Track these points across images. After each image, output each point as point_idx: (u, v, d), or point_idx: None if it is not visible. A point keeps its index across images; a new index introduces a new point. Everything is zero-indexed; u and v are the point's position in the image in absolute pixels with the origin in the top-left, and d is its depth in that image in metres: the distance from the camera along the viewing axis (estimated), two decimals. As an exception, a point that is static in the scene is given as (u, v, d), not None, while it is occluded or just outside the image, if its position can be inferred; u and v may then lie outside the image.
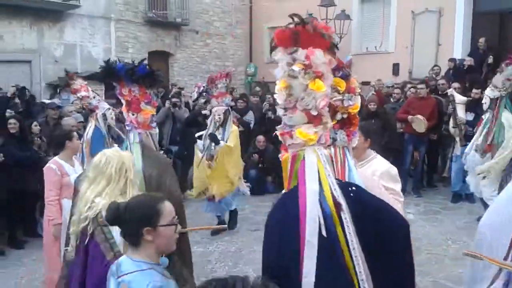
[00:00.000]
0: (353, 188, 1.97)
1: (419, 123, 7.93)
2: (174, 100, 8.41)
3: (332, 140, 2.13)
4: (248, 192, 6.79)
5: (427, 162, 8.97)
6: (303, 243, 1.81)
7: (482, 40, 10.46)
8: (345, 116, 2.25)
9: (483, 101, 6.29)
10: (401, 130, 8.37)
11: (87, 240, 2.45)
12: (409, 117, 8.03)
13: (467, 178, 6.58)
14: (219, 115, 6.01)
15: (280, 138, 2.05)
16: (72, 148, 4.54)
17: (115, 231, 2.40)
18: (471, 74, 9.45)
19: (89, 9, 12.89)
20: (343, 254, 1.80)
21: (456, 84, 8.37)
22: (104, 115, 5.46)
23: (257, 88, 12.77)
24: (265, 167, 8.47)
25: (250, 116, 8.63)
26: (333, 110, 2.17)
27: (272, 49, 1.94)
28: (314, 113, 1.90)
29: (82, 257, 2.46)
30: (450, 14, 11.68)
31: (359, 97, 2.31)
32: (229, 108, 6.19)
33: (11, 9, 11.17)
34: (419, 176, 8.66)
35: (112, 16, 13.60)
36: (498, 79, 5.96)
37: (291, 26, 1.85)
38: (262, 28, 17.02)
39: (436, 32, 12.02)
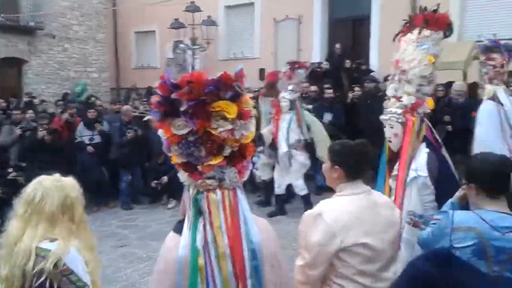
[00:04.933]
0: None
1: None
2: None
3: (218, 181, 1.72)
4: None
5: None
6: None
7: (338, 45, 11.17)
8: (235, 149, 1.74)
9: (282, 103, 6.78)
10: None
11: None
12: None
13: None
14: None
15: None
16: None
17: (84, 275, 1.95)
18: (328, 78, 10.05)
19: None
20: None
21: (313, 87, 8.92)
22: None
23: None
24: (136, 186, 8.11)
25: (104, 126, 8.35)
26: (218, 144, 1.69)
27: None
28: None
29: None
30: (308, 21, 12.31)
31: (253, 121, 1.79)
32: None
33: None
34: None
35: (-47, 20, 12.06)
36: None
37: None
38: (128, 33, 16.37)
39: (296, 38, 12.60)
